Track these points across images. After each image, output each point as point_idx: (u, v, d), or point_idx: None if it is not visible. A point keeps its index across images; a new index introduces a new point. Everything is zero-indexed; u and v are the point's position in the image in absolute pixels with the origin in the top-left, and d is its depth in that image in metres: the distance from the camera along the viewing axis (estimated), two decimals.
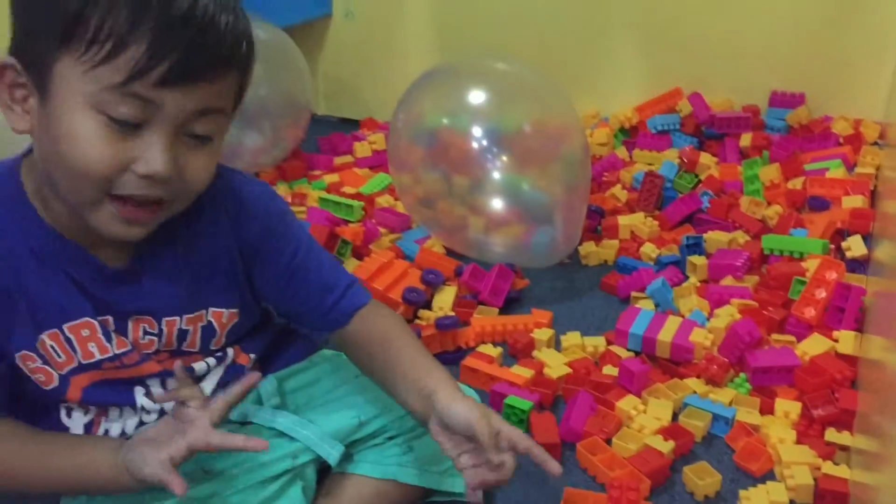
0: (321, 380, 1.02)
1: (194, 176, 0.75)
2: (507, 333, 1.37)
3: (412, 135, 1.61)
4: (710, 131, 1.95)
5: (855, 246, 1.42)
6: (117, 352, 0.83)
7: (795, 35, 1.92)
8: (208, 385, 0.92)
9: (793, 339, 1.27)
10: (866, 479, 0.91)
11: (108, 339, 0.83)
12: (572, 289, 1.54)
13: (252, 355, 0.96)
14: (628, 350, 1.30)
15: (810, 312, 1.29)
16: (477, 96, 1.57)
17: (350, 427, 0.95)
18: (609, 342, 1.33)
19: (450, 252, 1.60)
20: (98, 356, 0.83)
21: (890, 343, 0.93)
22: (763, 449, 1.09)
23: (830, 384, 1.16)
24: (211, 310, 0.89)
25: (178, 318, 0.86)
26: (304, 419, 0.94)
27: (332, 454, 0.92)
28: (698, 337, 1.25)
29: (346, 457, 0.95)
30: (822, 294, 1.31)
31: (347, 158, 2.08)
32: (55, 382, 0.83)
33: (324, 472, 0.98)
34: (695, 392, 1.19)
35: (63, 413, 0.87)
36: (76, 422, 0.87)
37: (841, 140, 1.83)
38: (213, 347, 0.91)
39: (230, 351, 0.94)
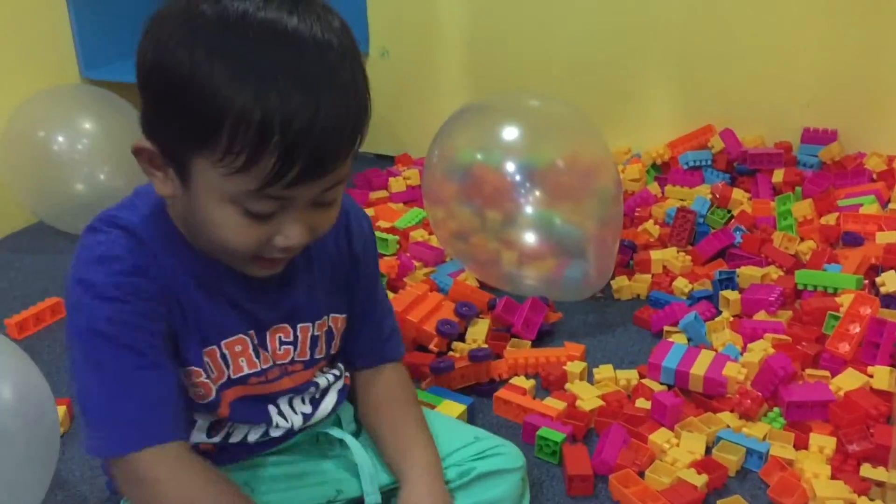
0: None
1: (323, 229, 0.80)
2: (540, 366, 1.38)
3: (446, 170, 1.64)
4: (742, 167, 1.96)
5: (889, 281, 1.41)
6: (263, 367, 0.88)
7: (827, 72, 1.93)
8: (329, 400, 0.96)
9: (827, 374, 1.26)
10: None
11: (257, 355, 0.87)
12: (605, 323, 1.55)
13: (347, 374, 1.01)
14: (661, 384, 1.30)
15: (844, 347, 1.29)
16: (510, 132, 1.59)
17: (388, 481, 0.96)
18: (642, 375, 1.33)
19: (483, 285, 1.62)
20: (246, 370, 0.87)
21: None
22: (797, 483, 1.08)
23: (865, 419, 1.16)
24: (332, 315, 0.93)
25: (310, 325, 0.91)
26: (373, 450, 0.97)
27: (370, 497, 0.94)
28: (731, 371, 1.25)
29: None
30: (856, 329, 1.30)
31: (382, 193, 2.12)
32: (212, 395, 0.86)
33: None
34: (728, 426, 1.19)
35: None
36: (201, 426, 0.89)
37: (874, 176, 1.83)
38: (332, 352, 0.95)
39: (342, 367, 0.98)
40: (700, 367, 1.27)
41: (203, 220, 0.76)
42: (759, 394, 1.22)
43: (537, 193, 1.55)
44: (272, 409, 0.91)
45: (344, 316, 0.95)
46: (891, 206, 1.70)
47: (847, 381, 1.23)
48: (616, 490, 1.09)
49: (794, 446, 1.15)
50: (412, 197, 2.07)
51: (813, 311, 1.39)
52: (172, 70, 0.70)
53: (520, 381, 1.33)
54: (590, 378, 1.36)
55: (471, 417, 1.27)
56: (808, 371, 1.28)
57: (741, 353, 1.33)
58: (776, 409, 1.23)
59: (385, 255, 1.74)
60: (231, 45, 0.69)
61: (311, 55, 0.70)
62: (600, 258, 1.57)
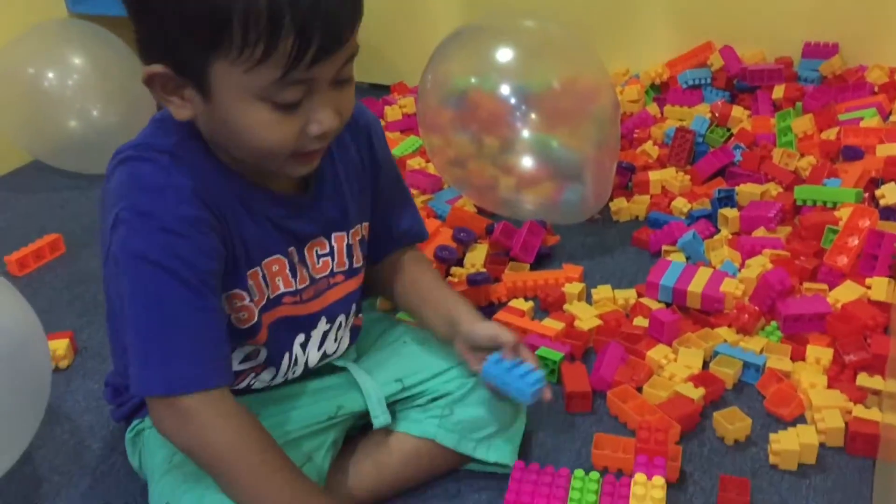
0: (370, 339, 1.05)
1: (348, 111, 0.80)
2: (539, 288, 1.38)
3: (441, 96, 1.61)
4: (742, 84, 1.93)
5: (889, 193, 1.40)
6: (299, 287, 0.89)
7: None
8: (346, 340, 0.99)
9: (825, 287, 1.26)
10: None
11: (294, 274, 0.88)
12: (603, 244, 1.55)
13: (361, 315, 1.03)
14: (659, 302, 1.30)
15: (842, 260, 1.29)
16: (505, 55, 1.56)
17: (391, 391, 0.98)
18: (640, 295, 1.34)
19: (481, 211, 1.62)
20: (282, 289, 0.88)
21: None
22: (794, 394, 1.09)
23: (862, 330, 1.16)
24: (364, 223, 0.96)
25: (344, 234, 0.92)
26: (371, 374, 0.99)
27: (380, 419, 0.96)
28: (729, 287, 1.25)
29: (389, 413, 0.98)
30: (854, 242, 1.30)
31: None
32: (255, 319, 0.86)
33: (358, 428, 1.01)
34: (725, 341, 1.20)
35: None
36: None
37: (876, 89, 1.79)
38: (364, 261, 0.97)
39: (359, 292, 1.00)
40: (698, 284, 1.27)
41: (235, 128, 0.75)
42: (757, 308, 1.22)
43: (534, 118, 1.53)
44: (299, 337, 0.92)
45: (368, 223, 0.97)
46: (892, 118, 1.68)
47: (845, 293, 1.23)
48: (614, 405, 1.10)
49: (791, 358, 1.16)
50: (408, 125, 2.05)
51: (811, 226, 1.39)
52: None
53: (518, 303, 1.33)
54: (588, 299, 1.36)
55: None
56: (806, 285, 1.28)
57: (739, 270, 1.33)
58: (773, 323, 1.23)
59: None
60: None
61: None
62: (598, 181, 1.56)
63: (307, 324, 0.92)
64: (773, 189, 1.56)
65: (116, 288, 0.79)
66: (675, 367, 1.14)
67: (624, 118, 1.93)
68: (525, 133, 1.52)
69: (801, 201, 1.48)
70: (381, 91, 2.35)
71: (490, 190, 1.57)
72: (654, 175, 1.67)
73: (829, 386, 1.10)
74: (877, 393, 1.08)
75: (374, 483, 0.97)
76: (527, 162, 1.53)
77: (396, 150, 1.91)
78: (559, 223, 1.57)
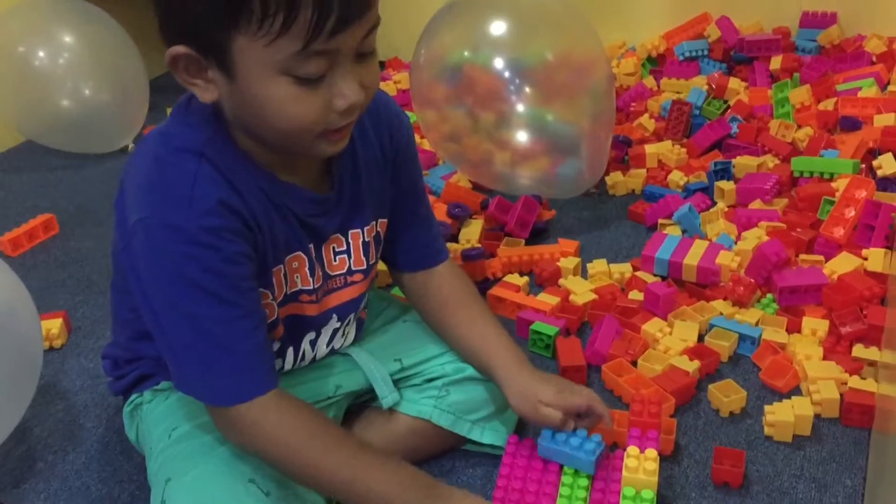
0: (368, 319, 1.04)
1: (374, 84, 0.78)
2: (534, 263, 1.37)
3: (434, 71, 1.60)
4: (740, 56, 1.91)
5: (886, 164, 1.39)
6: (315, 285, 0.88)
7: None
8: (352, 333, 0.98)
9: (821, 258, 1.26)
10: (893, 392, 0.91)
11: (312, 272, 0.87)
12: (599, 218, 1.54)
13: (366, 309, 1.01)
14: (655, 275, 1.30)
15: (839, 231, 1.28)
16: (498, 28, 1.54)
17: (391, 370, 0.98)
18: (635, 268, 1.33)
19: (476, 186, 1.61)
20: (300, 286, 0.87)
21: None
22: (789, 366, 1.09)
23: (859, 301, 1.15)
24: (380, 220, 0.93)
25: (360, 231, 0.91)
26: (371, 355, 0.98)
27: (388, 399, 0.96)
28: (725, 259, 1.25)
29: None
30: (850, 213, 1.29)
31: None
32: (274, 315, 0.86)
33: (354, 405, 1.01)
34: (721, 314, 1.19)
35: None
36: None
37: (874, 59, 1.78)
38: (378, 258, 0.96)
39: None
40: (693, 256, 1.27)
41: (259, 106, 0.73)
42: (752, 280, 1.21)
43: (529, 92, 1.51)
44: (309, 335, 0.91)
45: (387, 220, 0.95)
46: (890, 88, 1.66)
47: (841, 264, 1.22)
48: (609, 379, 1.10)
49: (787, 330, 1.16)
50: (403, 101, 2.03)
51: (808, 197, 1.38)
52: None
53: (513, 278, 1.33)
54: (584, 273, 1.35)
55: None
56: (802, 256, 1.27)
57: (735, 242, 1.32)
58: (769, 296, 1.23)
59: None
60: None
61: None
62: (593, 155, 1.55)
63: (319, 322, 0.91)
64: (770, 161, 1.55)
65: (138, 283, 0.78)
66: (671, 341, 1.14)
67: (620, 91, 1.91)
68: (520, 107, 1.51)
69: (798, 173, 1.47)
70: None
71: (485, 165, 1.56)
72: (650, 148, 1.66)
73: (825, 357, 1.10)
74: (873, 364, 1.08)
75: None
76: (522, 136, 1.51)
77: None
78: (555, 198, 1.56)
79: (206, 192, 0.75)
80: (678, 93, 1.87)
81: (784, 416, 1.00)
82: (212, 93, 0.74)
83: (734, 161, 1.54)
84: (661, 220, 1.45)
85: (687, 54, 1.96)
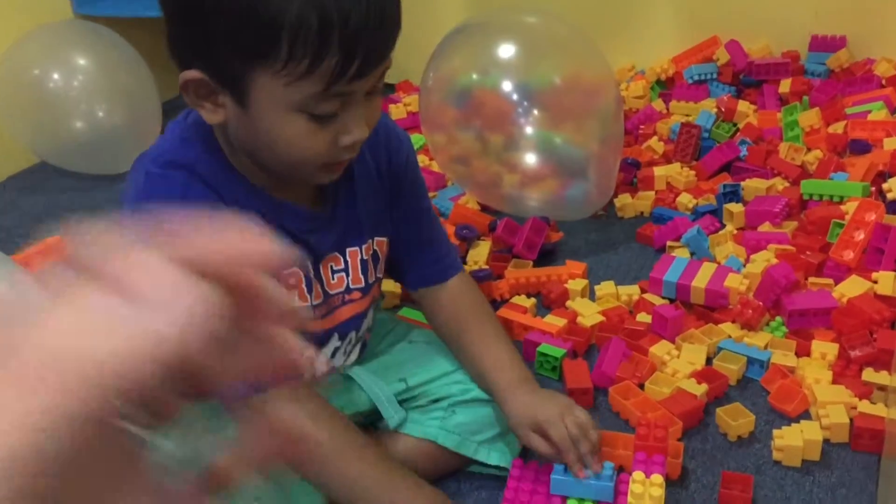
0: (374, 340, 1.04)
1: (376, 120, 0.79)
2: (541, 285, 1.37)
3: (443, 94, 1.60)
4: (748, 79, 1.91)
5: None
6: (314, 302, 0.88)
7: None
8: (355, 353, 0.98)
9: (830, 281, 1.24)
10: None
11: (309, 290, 0.87)
12: (607, 241, 1.54)
13: (370, 332, 1.01)
14: (663, 298, 1.29)
15: (849, 255, 1.27)
16: (507, 51, 1.55)
17: (396, 390, 0.98)
18: (643, 291, 1.32)
19: (484, 208, 1.61)
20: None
21: None
22: (798, 390, 1.08)
23: (869, 325, 1.14)
24: (376, 238, 0.93)
25: (357, 249, 0.91)
26: (376, 375, 0.98)
27: (395, 418, 0.96)
28: (733, 282, 1.24)
29: None
30: (860, 236, 1.28)
31: None
32: None
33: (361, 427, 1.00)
34: (729, 336, 1.18)
35: None
36: None
37: (883, 82, 1.77)
38: (378, 276, 0.95)
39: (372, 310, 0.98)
40: (702, 279, 1.26)
41: (270, 138, 0.74)
42: (761, 303, 1.20)
43: (537, 114, 1.52)
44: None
45: (387, 239, 0.95)
46: None
47: (850, 287, 1.21)
48: (616, 402, 1.09)
49: (796, 354, 1.14)
50: (413, 124, 2.03)
51: (817, 220, 1.37)
52: None
53: (521, 300, 1.32)
54: (591, 295, 1.35)
55: None
56: (812, 279, 1.26)
57: (744, 265, 1.31)
58: (778, 319, 1.22)
59: None
60: None
61: None
62: (601, 177, 1.55)
63: (318, 340, 0.91)
64: (780, 184, 1.54)
65: None
66: (678, 363, 1.13)
67: (629, 114, 1.91)
68: (529, 130, 1.51)
69: (807, 196, 1.46)
70: (386, 90, 2.33)
71: (493, 187, 1.56)
72: (659, 171, 1.65)
73: (835, 381, 1.08)
74: (883, 388, 1.06)
75: None
76: (530, 159, 1.51)
77: None
78: (563, 220, 1.56)
79: (195, 200, 0.76)
80: (687, 115, 1.87)
81: (793, 441, 0.99)
82: (219, 116, 0.75)
83: (743, 184, 1.53)
84: (669, 243, 1.44)
85: (696, 77, 1.96)
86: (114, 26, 1.98)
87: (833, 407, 1.03)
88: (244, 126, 0.75)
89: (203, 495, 0.29)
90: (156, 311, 0.24)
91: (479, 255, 1.44)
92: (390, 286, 1.35)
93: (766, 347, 1.16)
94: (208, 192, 0.77)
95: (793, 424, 1.03)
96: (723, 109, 1.82)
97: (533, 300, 1.32)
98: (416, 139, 1.93)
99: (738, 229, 1.44)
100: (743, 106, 1.80)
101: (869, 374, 1.08)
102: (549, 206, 1.52)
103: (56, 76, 1.85)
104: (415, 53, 2.27)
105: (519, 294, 1.36)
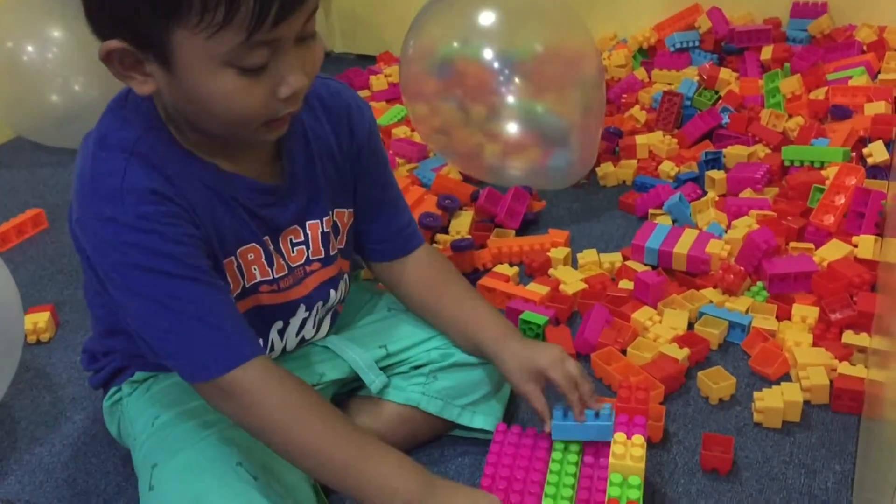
0: (353, 310, 1.04)
1: (315, 68, 0.76)
2: (524, 253, 1.37)
3: (425, 64, 1.59)
4: (730, 46, 1.91)
5: (876, 152, 1.39)
6: (276, 275, 0.87)
7: None
8: (325, 326, 0.96)
9: (811, 246, 1.25)
10: (883, 378, 0.90)
11: (270, 263, 0.86)
12: (590, 209, 1.54)
13: (342, 304, 1.00)
14: (645, 265, 1.29)
15: (829, 219, 1.28)
16: (488, 19, 1.54)
17: (376, 356, 0.97)
18: (626, 258, 1.32)
19: (466, 178, 1.60)
20: (259, 278, 0.86)
21: None
22: (779, 353, 1.08)
23: (848, 288, 1.15)
24: (336, 210, 0.92)
25: (318, 222, 0.89)
26: (353, 343, 0.97)
27: (376, 383, 0.95)
28: (715, 248, 1.24)
29: None
30: (840, 200, 1.29)
31: (364, 93, 2.08)
32: None
33: (344, 394, 1.01)
34: (711, 302, 1.19)
35: None
36: None
37: (864, 48, 1.78)
38: (339, 247, 0.93)
39: (342, 281, 0.96)
40: (683, 245, 1.26)
41: (202, 98, 0.72)
42: (742, 268, 1.21)
43: (519, 84, 1.51)
44: (277, 325, 0.90)
45: (349, 211, 0.93)
46: (881, 76, 1.66)
47: (831, 251, 1.22)
48: (598, 368, 1.09)
49: (777, 318, 1.15)
50: (394, 94, 2.03)
51: (798, 186, 1.38)
52: None
53: (503, 268, 1.32)
54: (574, 263, 1.35)
55: None
56: (793, 244, 1.26)
57: (725, 231, 1.32)
58: (759, 283, 1.22)
59: None
60: None
61: None
62: (584, 146, 1.54)
63: (285, 312, 0.90)
64: (761, 150, 1.55)
65: (97, 279, 0.78)
66: (660, 329, 1.14)
67: (611, 83, 1.91)
68: (510, 99, 1.50)
69: (788, 162, 1.47)
70: (367, 61, 2.32)
71: (475, 157, 1.55)
72: (641, 139, 1.65)
73: (815, 344, 1.09)
74: (863, 350, 1.07)
75: None
76: (512, 128, 1.50)
77: (381, 120, 1.89)
78: (545, 189, 1.56)
79: (136, 183, 0.74)
80: (669, 84, 1.87)
81: (773, 403, 0.99)
82: (149, 86, 0.73)
83: (725, 151, 1.54)
84: (651, 210, 1.45)
85: (678, 45, 1.96)
86: None
87: (813, 369, 1.04)
88: (176, 92, 0.73)
89: None
90: None
91: (462, 224, 1.44)
92: None
93: (747, 312, 1.16)
94: (151, 171, 0.76)
95: (773, 387, 1.03)
96: (705, 77, 1.81)
97: (515, 269, 1.32)
98: (398, 110, 1.92)
99: (719, 196, 1.45)
100: (725, 73, 1.80)
101: (849, 337, 1.09)
102: (532, 176, 1.52)
103: (30, 49, 1.82)
104: (395, 23, 2.26)
105: (501, 263, 1.36)
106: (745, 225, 1.29)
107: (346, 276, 0.97)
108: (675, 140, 1.65)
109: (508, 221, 1.45)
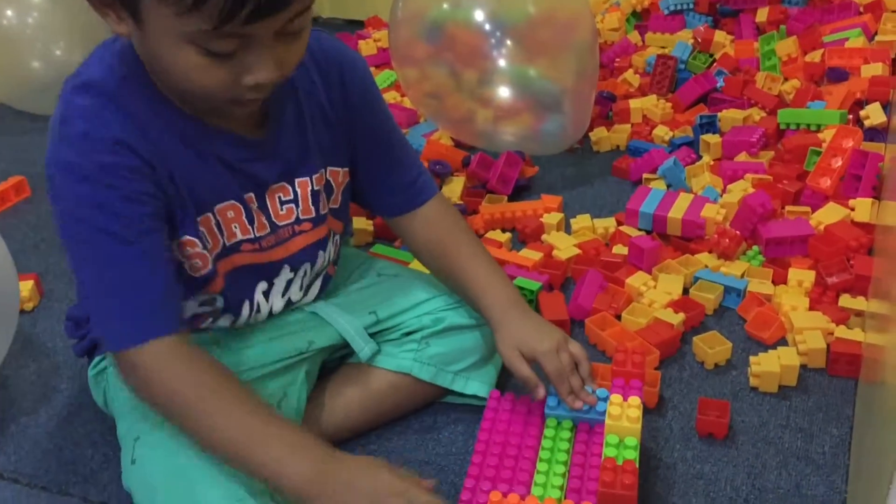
0: (343, 276, 1.02)
1: (292, 64, 0.74)
2: (516, 219, 1.35)
3: (414, 28, 1.56)
4: (725, 8, 1.89)
5: (874, 114, 1.37)
6: (258, 234, 0.85)
7: None
8: (315, 288, 0.95)
9: (808, 209, 1.24)
10: (880, 341, 0.90)
11: (251, 221, 0.84)
12: (583, 175, 1.52)
13: (335, 266, 0.98)
14: (639, 230, 1.28)
15: (826, 182, 1.27)
16: None
17: (366, 323, 0.96)
18: (619, 223, 1.31)
19: (458, 144, 1.59)
20: (240, 237, 0.84)
21: None
22: (775, 317, 1.08)
23: (845, 252, 1.14)
24: (329, 168, 0.90)
25: (308, 179, 0.87)
26: (343, 310, 0.95)
27: (365, 350, 0.94)
28: (710, 212, 1.23)
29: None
30: (837, 163, 1.27)
31: None
32: (209, 267, 0.83)
33: (335, 361, 1.00)
34: (706, 266, 1.18)
35: None
36: (188, 311, 0.86)
37: (861, 9, 1.75)
38: (332, 206, 0.92)
39: (330, 242, 0.94)
40: (678, 209, 1.25)
41: (164, 65, 0.70)
42: (738, 232, 1.20)
43: (512, 48, 1.48)
44: (262, 285, 0.89)
45: (344, 170, 0.91)
46: (878, 38, 1.64)
47: (828, 215, 1.21)
48: (593, 333, 1.08)
49: (773, 282, 1.14)
50: (383, 60, 1.99)
51: (794, 149, 1.36)
52: None
53: (496, 234, 1.31)
54: (567, 229, 1.34)
55: None
56: (789, 208, 1.26)
57: (721, 195, 1.31)
58: (755, 248, 1.21)
59: None
60: None
61: None
62: (577, 111, 1.53)
63: (269, 272, 0.89)
64: (756, 114, 1.53)
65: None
66: (655, 294, 1.13)
67: (604, 47, 1.88)
68: (502, 64, 1.48)
69: (784, 125, 1.45)
70: (355, 26, 2.29)
71: (467, 122, 1.53)
72: (634, 103, 1.64)
73: (811, 308, 1.09)
74: (860, 314, 1.07)
75: (350, 418, 0.95)
76: (505, 93, 1.48)
77: None
78: (538, 154, 1.54)
79: (102, 129, 0.73)
80: (663, 47, 1.84)
81: (770, 367, 0.99)
82: (124, 28, 0.71)
83: (720, 114, 1.52)
84: (645, 175, 1.43)
85: (672, 8, 1.93)
86: None
87: (810, 333, 1.03)
88: (143, 45, 0.72)
89: None
90: None
91: (453, 190, 1.42)
92: (361, 223, 1.33)
93: (742, 276, 1.16)
94: (126, 119, 0.74)
95: (770, 351, 1.02)
96: (699, 40, 1.79)
97: (508, 235, 1.31)
98: (387, 75, 1.89)
99: (714, 160, 1.44)
100: (719, 36, 1.77)
101: (846, 301, 1.08)
102: (524, 141, 1.51)
103: (10, 13, 1.78)
104: None
105: (494, 229, 1.35)
106: (741, 189, 1.28)
107: (336, 237, 0.95)
108: (670, 104, 1.64)
109: (501, 187, 1.44)
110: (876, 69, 1.50)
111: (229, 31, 0.66)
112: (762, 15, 1.80)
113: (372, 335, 0.96)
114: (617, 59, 1.85)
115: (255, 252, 0.86)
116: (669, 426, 0.95)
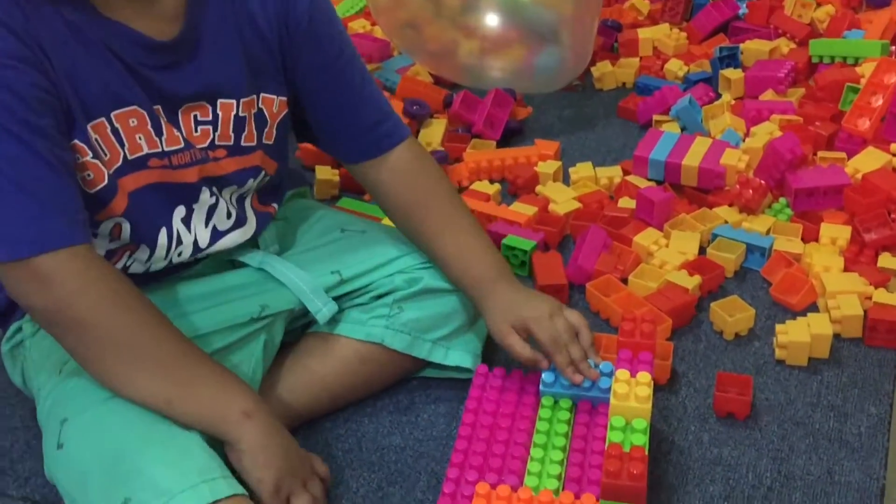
0: (298, 231, 1.01)
1: None
2: (507, 168, 1.36)
3: None
4: None
5: None
6: (167, 148, 0.84)
7: None
8: (250, 225, 0.94)
9: (843, 155, 1.25)
10: None
11: (158, 132, 0.83)
12: (583, 116, 1.53)
13: (275, 205, 0.98)
14: (649, 180, 1.28)
15: (864, 124, 1.27)
16: None
17: (326, 284, 0.94)
18: (626, 172, 1.32)
19: (438, 81, 1.58)
20: (146, 150, 0.83)
21: None
22: (805, 280, 1.08)
23: (886, 204, 1.15)
24: (262, 95, 0.89)
25: (234, 102, 0.87)
26: (298, 267, 0.95)
27: (323, 311, 0.93)
28: (731, 159, 1.24)
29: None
30: (878, 101, 1.28)
31: None
32: (104, 181, 0.81)
33: (298, 330, 0.99)
34: (726, 222, 1.19)
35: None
36: (97, 248, 0.85)
37: None
38: (265, 142, 0.91)
39: (262, 173, 0.93)
40: (694, 156, 1.25)
41: None
42: (763, 182, 1.20)
43: None
44: (180, 210, 0.87)
45: (281, 99, 0.91)
46: None
47: (866, 161, 1.21)
48: (595, 299, 1.09)
49: (803, 239, 1.15)
50: None
51: (828, 85, 1.37)
52: None
53: (483, 185, 1.31)
54: (565, 179, 1.34)
55: None
56: (821, 154, 1.26)
57: (743, 139, 1.31)
58: (782, 200, 1.22)
59: None
60: None
61: None
62: (577, 42, 1.54)
63: (185, 195, 0.88)
64: (785, 45, 1.55)
65: None
66: (667, 254, 1.13)
67: None
68: None
69: (816, 58, 1.47)
70: None
71: (448, 55, 1.54)
72: (643, 33, 1.65)
73: (846, 269, 1.09)
74: None
75: (311, 395, 0.95)
76: (492, 21, 1.49)
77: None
78: (531, 92, 1.55)
79: None
80: None
81: (798, 337, 0.99)
82: None
83: (742, 46, 1.53)
84: (656, 117, 1.44)
85: None
86: None
87: (844, 297, 1.03)
88: None
89: None
90: None
91: (433, 135, 1.42)
92: (326, 173, 1.32)
93: (767, 233, 1.16)
94: (7, 4, 0.73)
95: (798, 318, 1.03)
96: None
97: (497, 186, 1.31)
98: (355, 1, 1.88)
99: (736, 99, 1.45)
100: None
101: (886, 260, 1.09)
102: (515, 77, 1.51)
103: None
104: None
105: (480, 179, 1.35)
106: (766, 132, 1.29)
107: (268, 176, 0.93)
108: (684, 34, 1.65)
109: (488, 131, 1.44)
110: None
111: None
112: None
113: (336, 299, 0.95)
114: None
115: (165, 169, 0.85)
116: (683, 404, 0.96)
